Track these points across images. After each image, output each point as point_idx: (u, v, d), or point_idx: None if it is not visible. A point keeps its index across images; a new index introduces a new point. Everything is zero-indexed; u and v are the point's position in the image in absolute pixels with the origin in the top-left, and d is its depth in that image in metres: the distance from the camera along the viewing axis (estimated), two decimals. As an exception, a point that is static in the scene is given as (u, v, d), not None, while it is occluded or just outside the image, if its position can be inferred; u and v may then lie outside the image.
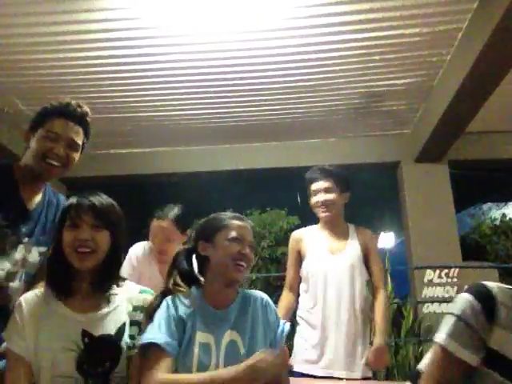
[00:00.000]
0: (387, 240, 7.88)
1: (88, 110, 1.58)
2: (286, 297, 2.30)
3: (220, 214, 1.51)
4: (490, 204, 7.46)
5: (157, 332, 1.25)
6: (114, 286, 1.36)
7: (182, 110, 3.57)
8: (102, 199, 1.37)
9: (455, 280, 3.73)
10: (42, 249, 1.55)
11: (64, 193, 4.27)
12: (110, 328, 1.30)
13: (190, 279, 1.42)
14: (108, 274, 1.35)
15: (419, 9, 2.50)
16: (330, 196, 2.22)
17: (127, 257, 2.11)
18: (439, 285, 3.73)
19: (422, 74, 3.11)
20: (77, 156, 1.57)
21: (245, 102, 3.47)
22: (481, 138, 3.90)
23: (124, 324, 1.31)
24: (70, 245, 1.29)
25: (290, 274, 2.33)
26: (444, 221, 3.82)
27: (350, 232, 2.29)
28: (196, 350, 1.29)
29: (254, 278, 5.97)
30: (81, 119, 1.56)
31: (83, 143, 1.58)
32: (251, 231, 1.47)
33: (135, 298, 1.36)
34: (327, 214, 2.24)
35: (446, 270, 3.72)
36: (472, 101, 2.88)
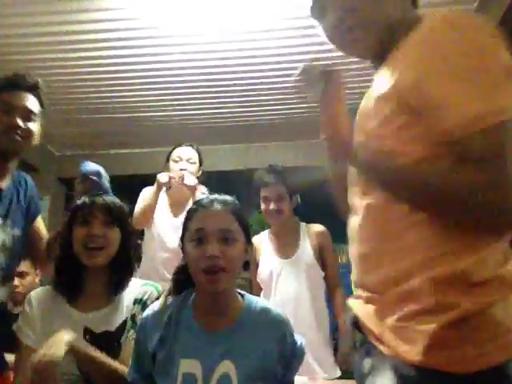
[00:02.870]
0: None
1: (38, 79, 1.50)
2: None
3: (195, 202, 1.21)
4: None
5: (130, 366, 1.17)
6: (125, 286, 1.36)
7: (182, 109, 3.57)
8: (112, 198, 1.38)
9: (455, 280, 3.72)
10: (17, 231, 1.48)
11: (64, 193, 4.28)
12: (112, 325, 1.30)
13: (180, 286, 1.19)
14: (119, 274, 1.35)
15: (419, 9, 2.49)
16: (281, 205, 2.19)
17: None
18: (439, 285, 3.72)
19: (422, 73, 3.11)
20: (36, 127, 1.49)
21: (245, 101, 3.47)
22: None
23: (125, 321, 1.32)
24: (81, 241, 1.30)
25: (254, 282, 2.35)
26: (444, 221, 3.81)
27: (301, 232, 2.26)
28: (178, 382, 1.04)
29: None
30: (33, 88, 1.48)
31: (40, 113, 1.51)
32: (220, 213, 1.12)
33: (137, 291, 1.36)
34: (278, 222, 2.24)
35: (446, 270, 3.71)
36: (472, 101, 2.88)
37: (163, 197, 2.41)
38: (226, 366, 1.05)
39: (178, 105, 3.49)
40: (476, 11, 2.47)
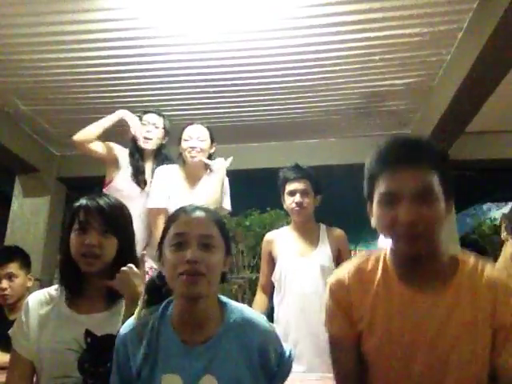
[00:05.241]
0: (387, 240, 7.87)
1: None
2: (259, 298, 2.37)
3: (177, 208, 1.16)
4: (489, 204, 7.46)
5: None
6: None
7: (182, 109, 3.56)
8: (110, 202, 1.36)
9: (455, 280, 3.71)
10: None
11: (64, 193, 4.28)
12: (113, 328, 1.30)
13: (155, 298, 1.14)
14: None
15: (419, 9, 2.50)
16: (306, 199, 2.24)
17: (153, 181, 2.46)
18: (439, 285, 3.72)
19: (422, 73, 3.11)
20: None
21: (244, 101, 3.47)
22: (481, 138, 3.89)
23: None
24: (77, 249, 1.29)
25: (262, 275, 2.39)
26: (444, 221, 3.81)
27: (321, 233, 2.30)
28: None
29: (253, 277, 5.97)
30: None
31: None
32: (202, 218, 1.08)
33: None
34: (301, 217, 2.27)
35: (446, 270, 3.70)
36: (472, 101, 2.88)
37: (179, 172, 2.49)
38: (209, 381, 1.01)
39: (176, 105, 3.49)
40: (476, 11, 2.47)
